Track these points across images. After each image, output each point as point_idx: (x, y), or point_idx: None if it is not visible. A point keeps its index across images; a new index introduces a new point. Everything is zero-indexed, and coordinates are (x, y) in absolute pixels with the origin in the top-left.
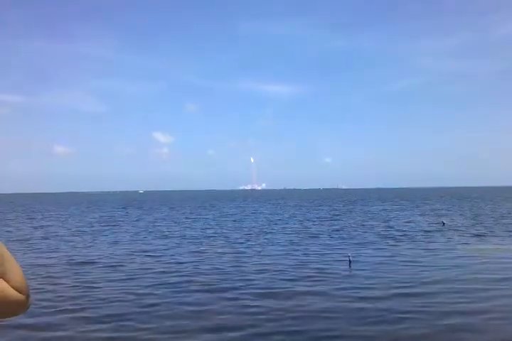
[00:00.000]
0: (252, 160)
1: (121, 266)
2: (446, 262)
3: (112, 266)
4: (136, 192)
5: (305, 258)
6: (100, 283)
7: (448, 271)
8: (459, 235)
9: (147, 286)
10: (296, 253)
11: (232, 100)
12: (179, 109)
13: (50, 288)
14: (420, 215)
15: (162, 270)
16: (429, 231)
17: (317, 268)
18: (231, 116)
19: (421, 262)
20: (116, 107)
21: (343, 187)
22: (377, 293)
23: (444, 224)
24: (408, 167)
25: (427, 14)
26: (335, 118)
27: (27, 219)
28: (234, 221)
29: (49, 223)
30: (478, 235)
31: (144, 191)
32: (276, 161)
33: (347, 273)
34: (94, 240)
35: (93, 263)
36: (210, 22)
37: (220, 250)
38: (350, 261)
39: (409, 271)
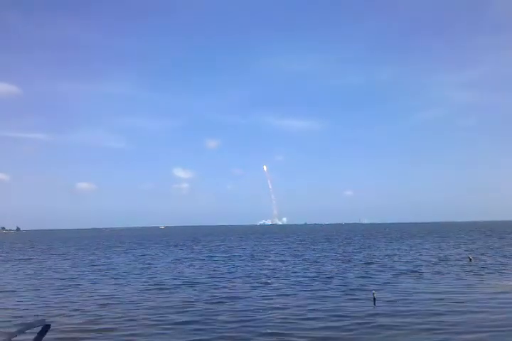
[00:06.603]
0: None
1: None
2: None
3: None
4: (157, 227)
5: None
6: None
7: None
8: (487, 272)
9: None
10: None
11: (251, 135)
12: (199, 145)
13: None
14: (445, 251)
15: None
16: (454, 267)
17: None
18: (250, 151)
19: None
20: (137, 144)
21: (365, 221)
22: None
23: (470, 260)
24: (431, 201)
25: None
26: (355, 151)
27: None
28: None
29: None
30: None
31: (165, 226)
32: (296, 195)
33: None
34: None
35: None
36: (229, 59)
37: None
38: (374, 299)
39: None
